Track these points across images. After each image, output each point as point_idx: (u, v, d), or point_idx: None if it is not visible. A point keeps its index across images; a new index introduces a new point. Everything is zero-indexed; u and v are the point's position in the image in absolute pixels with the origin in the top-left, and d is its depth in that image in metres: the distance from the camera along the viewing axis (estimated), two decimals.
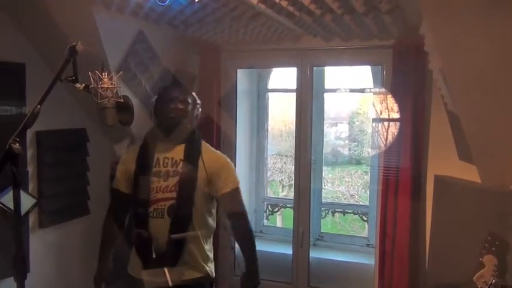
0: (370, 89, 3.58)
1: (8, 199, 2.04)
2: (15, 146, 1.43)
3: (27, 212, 2.36)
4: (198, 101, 2.21)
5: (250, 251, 2.21)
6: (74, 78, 1.61)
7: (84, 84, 1.63)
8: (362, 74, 3.81)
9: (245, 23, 2.62)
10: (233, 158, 3.38)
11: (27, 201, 2.30)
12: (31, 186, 2.52)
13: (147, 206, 2.07)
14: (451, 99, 2.25)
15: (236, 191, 2.18)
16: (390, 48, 2.81)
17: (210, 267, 2.20)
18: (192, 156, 2.11)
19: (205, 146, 2.21)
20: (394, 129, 2.89)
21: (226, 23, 2.64)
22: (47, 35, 2.34)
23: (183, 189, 2.06)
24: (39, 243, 2.60)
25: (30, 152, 2.52)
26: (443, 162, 2.73)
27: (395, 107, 2.86)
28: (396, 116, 2.87)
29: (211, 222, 2.22)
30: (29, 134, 2.48)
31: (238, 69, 3.38)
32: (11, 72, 2.28)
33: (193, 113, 2.16)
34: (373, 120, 3.09)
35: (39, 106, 1.51)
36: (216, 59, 3.20)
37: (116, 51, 2.51)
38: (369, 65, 3.37)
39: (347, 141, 5.45)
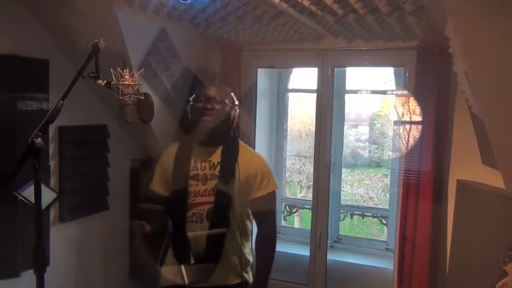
0: (392, 90, 3.53)
1: (29, 193, 2.07)
2: (37, 140, 1.46)
3: (48, 206, 2.38)
4: (237, 102, 2.13)
5: (268, 261, 2.12)
6: (95, 74, 1.63)
7: (105, 81, 1.65)
8: (384, 76, 3.76)
9: (266, 22, 2.61)
10: None
11: (48, 196, 2.32)
12: (53, 180, 2.56)
13: (186, 211, 2.02)
14: (475, 102, 2.20)
15: (270, 196, 2.10)
16: (414, 50, 2.76)
17: (248, 273, 2.14)
18: (230, 159, 2.04)
19: (243, 148, 2.13)
20: (416, 132, 2.83)
21: (248, 22, 2.63)
22: (70, 32, 2.37)
23: (220, 193, 2.00)
24: (60, 237, 2.64)
25: (52, 147, 2.56)
26: (466, 167, 2.67)
27: (418, 109, 2.81)
28: (418, 118, 2.81)
29: (249, 225, 2.16)
30: (52, 129, 2.52)
31: (258, 69, 3.37)
32: (35, 68, 2.32)
33: (230, 114, 2.07)
34: (395, 122, 3.03)
35: (61, 101, 1.53)
36: (236, 58, 3.20)
37: (138, 48, 2.53)
38: (392, 66, 3.33)
39: (367, 144, 5.39)
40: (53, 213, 2.59)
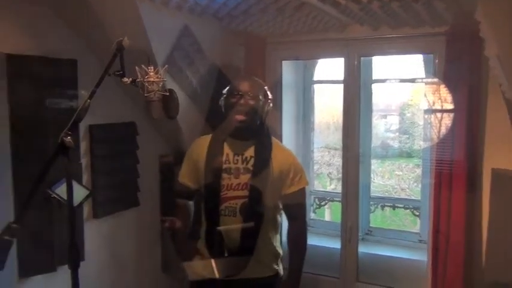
0: (421, 78, 3.44)
1: (62, 190, 2.13)
2: (67, 139, 1.49)
3: (81, 203, 2.45)
4: (270, 96, 2.12)
5: (299, 257, 2.14)
6: (121, 72, 1.65)
7: (131, 79, 1.66)
8: (413, 63, 3.66)
9: (290, 13, 2.58)
10: None
11: (80, 193, 2.39)
12: (85, 178, 2.63)
13: (219, 204, 2.03)
14: (509, 87, 2.12)
15: (301, 191, 2.11)
16: (443, 35, 2.68)
17: (279, 266, 2.16)
18: (263, 153, 2.05)
19: (275, 143, 2.14)
20: (447, 120, 2.76)
21: (271, 13, 2.61)
22: (96, 32, 2.41)
23: (255, 188, 2.01)
24: (93, 233, 2.71)
25: (83, 145, 2.62)
26: (501, 155, 2.58)
27: (449, 96, 2.73)
28: (450, 106, 2.73)
29: (279, 219, 2.18)
30: (83, 127, 2.58)
31: (283, 61, 3.34)
32: (63, 68, 2.37)
33: (264, 109, 2.07)
34: (425, 111, 2.96)
35: (89, 100, 1.56)
36: (260, 51, 3.18)
37: (161, 45, 2.55)
38: (420, 53, 3.24)
39: (397, 134, 5.29)
40: (86, 209, 2.65)
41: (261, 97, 2.04)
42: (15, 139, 2.13)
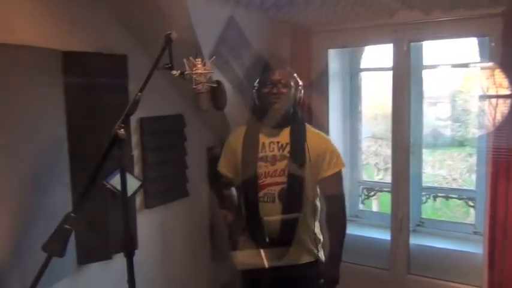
0: (475, 63, 3.28)
1: (116, 181, 2.21)
2: (120, 131, 1.54)
3: (134, 193, 2.53)
4: (300, 83, 2.17)
5: (339, 239, 2.16)
6: (170, 65, 1.69)
7: (179, 71, 1.70)
8: (466, 47, 3.49)
9: (336, 1, 2.53)
10: None
11: (133, 184, 2.47)
12: (136, 169, 2.71)
13: (257, 191, 2.08)
14: None
15: (338, 174, 2.15)
16: (500, 16, 2.53)
17: (320, 251, 2.18)
18: (299, 139, 2.10)
19: (309, 128, 2.18)
20: (504, 106, 2.62)
21: (317, 2, 2.57)
22: (145, 27, 2.47)
23: (293, 174, 2.05)
24: (145, 222, 2.79)
25: (135, 138, 2.70)
26: None
27: (505, 81, 2.59)
28: (507, 92, 2.59)
29: (318, 204, 2.20)
30: (134, 120, 2.66)
31: (329, 50, 3.29)
32: (115, 63, 2.44)
33: (296, 96, 2.14)
34: (480, 97, 2.82)
35: (139, 93, 1.60)
36: (306, 40, 3.14)
37: (208, 37, 2.57)
38: (475, 36, 3.08)
39: (449, 122, 5.08)
40: (138, 200, 2.74)
41: (292, 84, 2.10)
42: (72, 133, 2.22)
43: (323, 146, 2.12)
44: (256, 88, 2.14)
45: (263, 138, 2.12)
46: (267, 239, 2.04)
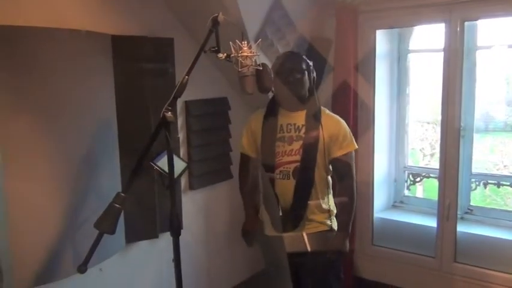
0: None
1: (163, 163, 2.25)
2: (168, 114, 1.57)
3: (180, 175, 2.56)
4: (311, 63, 2.26)
5: (347, 214, 2.30)
6: (216, 48, 1.69)
7: (225, 54, 1.70)
8: None
9: None
10: (371, 125, 3.25)
11: (179, 165, 2.49)
12: (182, 151, 2.76)
13: (274, 169, 2.23)
14: None
15: (350, 154, 2.28)
16: None
17: (333, 221, 2.31)
18: (313, 121, 2.23)
19: (324, 111, 2.30)
20: None
21: None
22: (192, 10, 2.48)
23: (306, 153, 2.20)
24: (190, 204, 2.86)
25: (180, 120, 2.74)
26: None
27: None
28: None
29: (330, 180, 2.34)
30: (179, 103, 2.70)
31: (377, 31, 3.18)
32: (162, 46, 2.48)
33: (310, 78, 2.25)
34: None
35: (187, 77, 1.62)
36: (353, 21, 3.06)
37: (254, 19, 2.56)
38: None
39: (502, 105, 4.83)
40: (183, 181, 2.80)
41: (304, 67, 2.22)
42: (121, 114, 2.29)
43: (336, 128, 2.26)
44: (274, 75, 2.17)
45: (281, 120, 2.26)
46: (280, 212, 2.22)
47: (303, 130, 2.22)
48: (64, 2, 2.11)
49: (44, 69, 1.91)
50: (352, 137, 2.30)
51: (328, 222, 2.29)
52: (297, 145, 2.22)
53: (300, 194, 2.22)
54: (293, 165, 2.21)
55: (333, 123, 2.27)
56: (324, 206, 2.28)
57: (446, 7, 2.81)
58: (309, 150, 2.20)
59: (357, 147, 2.31)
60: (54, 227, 1.99)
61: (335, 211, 2.33)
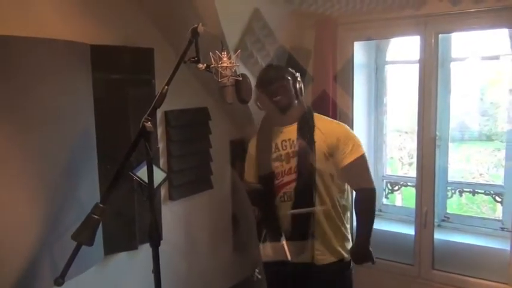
0: (507, 55, 3.19)
1: (143, 173, 2.24)
2: (148, 124, 1.56)
3: (159, 185, 2.56)
4: (297, 74, 2.16)
5: (368, 225, 2.12)
6: (196, 59, 1.70)
7: (205, 64, 1.71)
8: (496, 39, 3.39)
9: None
10: None
11: (158, 175, 2.48)
12: (162, 161, 2.74)
13: (277, 192, 2.10)
14: None
15: (360, 160, 2.08)
16: None
17: (347, 251, 2.15)
18: (305, 134, 2.08)
19: (320, 118, 2.16)
20: None
21: None
22: (172, 21, 2.49)
23: (301, 169, 2.05)
24: (170, 214, 2.83)
25: (160, 130, 2.73)
26: None
27: None
28: None
29: (345, 198, 2.16)
30: (159, 113, 2.69)
31: (355, 42, 3.24)
32: (142, 56, 2.47)
33: (296, 89, 2.12)
34: (510, 91, 2.74)
35: (166, 87, 1.62)
36: (332, 32, 3.10)
37: (234, 30, 2.58)
38: (506, 27, 2.99)
39: (476, 115, 4.95)
40: (163, 191, 2.78)
41: (289, 78, 2.08)
42: (100, 124, 2.27)
43: (334, 135, 2.09)
44: (257, 95, 2.13)
45: (276, 139, 2.13)
46: (283, 236, 2.07)
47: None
48: (43, 11, 2.09)
49: (21, 79, 1.88)
50: (358, 141, 2.12)
51: (342, 251, 2.13)
52: (294, 162, 2.08)
53: (302, 217, 2.04)
54: (293, 184, 2.08)
55: (329, 130, 2.12)
56: (339, 230, 2.11)
57: (421, 20, 2.88)
58: (304, 166, 2.05)
59: (363, 152, 2.11)
60: (30, 239, 1.94)
61: (349, 238, 2.19)
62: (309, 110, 2.17)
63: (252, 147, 2.25)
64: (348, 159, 2.06)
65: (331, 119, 2.24)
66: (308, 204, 2.05)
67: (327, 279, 2.12)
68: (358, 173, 2.10)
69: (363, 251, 2.11)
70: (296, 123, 2.11)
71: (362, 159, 2.09)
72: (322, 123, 2.14)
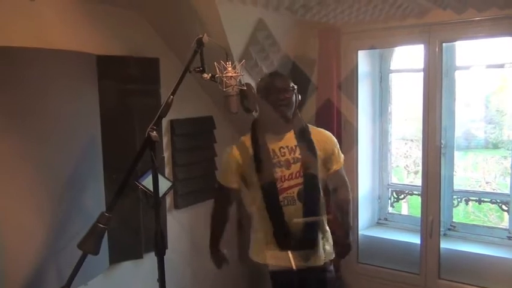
0: (511, 63, 3.19)
1: (148, 182, 2.26)
2: (153, 133, 1.58)
3: (165, 194, 2.58)
4: (295, 86, 2.21)
5: (348, 217, 2.31)
6: (201, 68, 1.72)
7: (210, 74, 1.73)
8: (501, 47, 3.39)
9: (366, 2, 2.51)
10: (354, 143, 3.29)
11: (164, 184, 2.51)
12: (167, 170, 2.76)
13: (278, 196, 2.13)
14: None
15: (342, 167, 2.29)
16: None
17: (332, 247, 2.27)
18: (306, 140, 2.18)
19: (312, 127, 2.27)
20: None
21: (347, 2, 2.56)
22: (177, 31, 2.51)
23: (308, 173, 2.13)
24: (175, 223, 2.84)
25: (165, 139, 2.75)
26: None
27: None
28: None
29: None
30: (164, 122, 2.71)
31: (359, 51, 3.26)
32: (147, 66, 2.50)
33: (296, 99, 2.19)
34: None
35: (172, 96, 1.64)
36: (335, 41, 3.12)
37: (238, 40, 2.60)
38: (510, 36, 2.99)
39: (482, 123, 4.93)
40: (168, 200, 2.79)
41: (291, 88, 2.15)
42: (106, 134, 2.29)
43: (329, 142, 2.24)
44: (260, 96, 2.14)
45: (271, 145, 2.16)
46: (292, 242, 2.11)
47: (298, 151, 2.15)
48: (49, 22, 2.12)
49: (28, 89, 1.91)
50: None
51: (331, 250, 2.24)
52: (296, 167, 2.13)
53: (310, 216, 2.13)
54: (296, 189, 2.13)
55: (324, 138, 2.25)
56: (326, 230, 2.24)
57: (425, 29, 2.89)
58: (310, 170, 2.13)
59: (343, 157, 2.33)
60: (37, 247, 1.96)
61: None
62: (302, 119, 2.27)
63: (240, 153, 2.20)
64: (339, 165, 2.25)
65: (318, 128, 2.33)
66: (316, 206, 2.16)
67: (326, 278, 2.23)
68: (343, 176, 2.30)
69: (346, 244, 2.31)
70: (291, 130, 2.18)
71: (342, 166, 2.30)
72: (314, 131, 2.24)
